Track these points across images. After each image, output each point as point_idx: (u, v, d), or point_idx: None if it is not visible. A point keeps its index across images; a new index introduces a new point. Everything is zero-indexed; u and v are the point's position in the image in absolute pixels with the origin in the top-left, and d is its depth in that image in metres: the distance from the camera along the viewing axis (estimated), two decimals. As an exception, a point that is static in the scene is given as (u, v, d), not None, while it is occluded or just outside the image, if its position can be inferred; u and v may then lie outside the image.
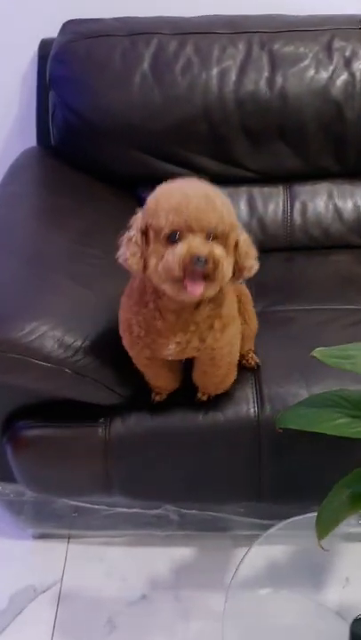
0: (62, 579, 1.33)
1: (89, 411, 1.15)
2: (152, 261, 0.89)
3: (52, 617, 1.26)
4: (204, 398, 1.14)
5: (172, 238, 0.87)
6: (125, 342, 1.05)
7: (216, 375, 1.10)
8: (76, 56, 1.50)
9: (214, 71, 1.48)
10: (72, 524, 1.35)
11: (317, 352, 0.86)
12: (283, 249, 1.58)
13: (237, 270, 0.94)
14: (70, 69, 1.51)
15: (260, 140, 1.53)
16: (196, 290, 0.87)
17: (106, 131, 1.52)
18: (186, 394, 1.16)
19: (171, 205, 0.87)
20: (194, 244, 0.85)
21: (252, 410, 1.14)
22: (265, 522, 1.24)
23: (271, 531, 1.10)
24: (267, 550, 1.13)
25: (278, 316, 1.33)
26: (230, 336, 1.04)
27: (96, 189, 1.56)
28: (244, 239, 0.94)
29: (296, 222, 1.59)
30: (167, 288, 0.90)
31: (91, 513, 1.31)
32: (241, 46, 1.50)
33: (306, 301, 1.37)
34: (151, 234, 0.89)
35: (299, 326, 1.30)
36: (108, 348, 1.10)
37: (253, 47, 1.49)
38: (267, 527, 1.12)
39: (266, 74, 1.49)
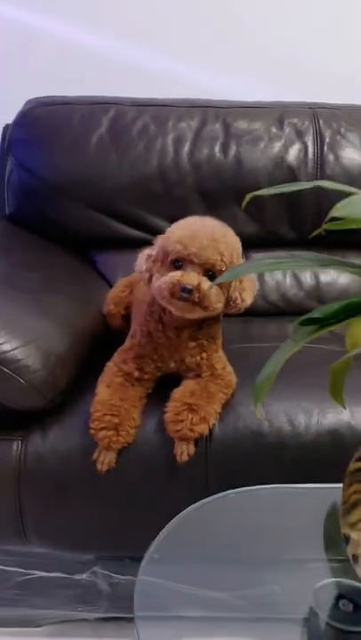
0: None
1: (4, 423, 0.97)
2: (155, 277, 1.00)
3: None
4: (184, 455, 0.98)
5: (176, 264, 0.98)
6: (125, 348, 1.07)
7: (204, 397, 1.01)
8: (36, 120, 1.54)
9: (170, 136, 1.52)
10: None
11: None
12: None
13: (229, 303, 1.02)
14: (29, 132, 1.54)
15: (216, 202, 1.52)
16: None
17: (61, 188, 1.51)
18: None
19: (181, 238, 0.98)
20: (187, 275, 0.95)
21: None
22: (220, 594, 0.97)
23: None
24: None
25: (234, 350, 1.21)
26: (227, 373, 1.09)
27: (47, 247, 1.51)
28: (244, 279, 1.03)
29: (254, 287, 1.53)
30: (161, 302, 1.00)
31: (2, 580, 1.06)
32: (196, 117, 1.55)
33: (262, 342, 1.26)
34: (162, 255, 1.00)
35: (254, 356, 1.17)
36: (35, 343, 0.96)
37: (208, 118, 1.55)
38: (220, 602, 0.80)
39: (220, 140, 1.53)
